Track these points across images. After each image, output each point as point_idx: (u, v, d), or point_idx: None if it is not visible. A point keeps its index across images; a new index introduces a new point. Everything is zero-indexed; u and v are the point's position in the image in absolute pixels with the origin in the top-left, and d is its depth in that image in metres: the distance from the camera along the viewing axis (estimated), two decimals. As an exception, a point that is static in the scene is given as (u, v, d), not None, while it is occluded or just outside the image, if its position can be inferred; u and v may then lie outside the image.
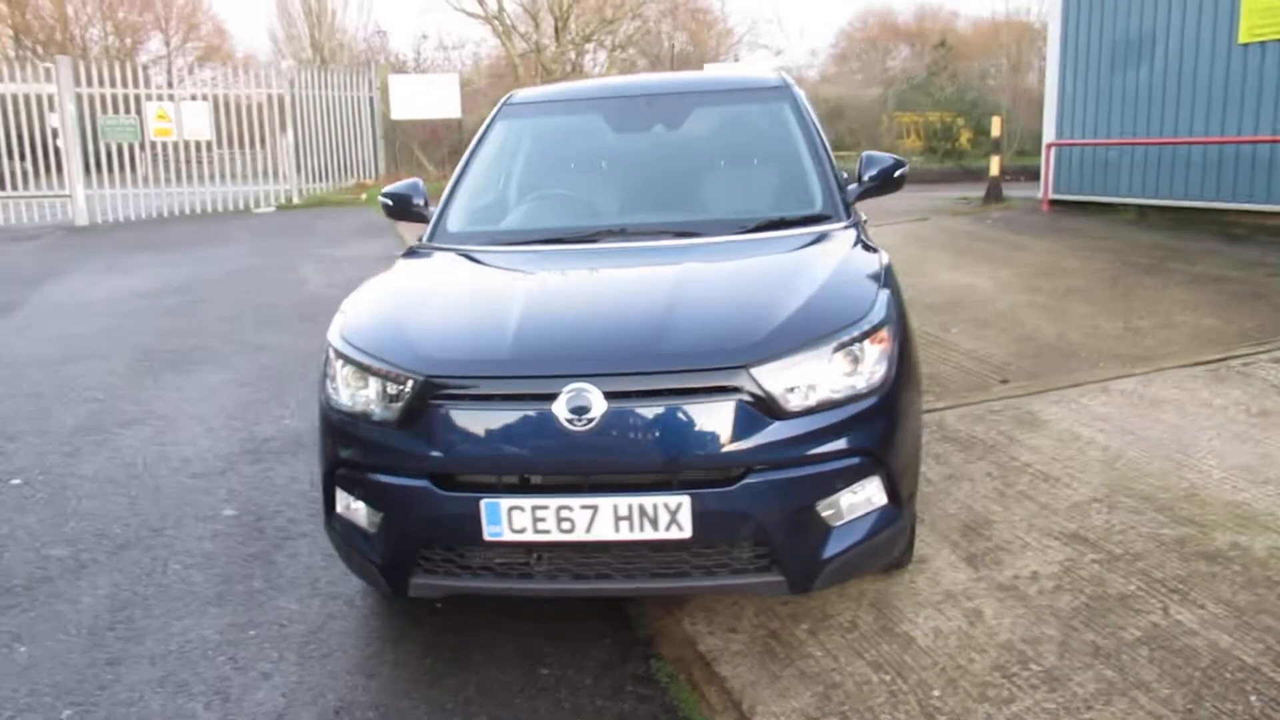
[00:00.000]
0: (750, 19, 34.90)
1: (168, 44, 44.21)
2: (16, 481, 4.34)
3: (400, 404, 2.64)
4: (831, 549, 2.63)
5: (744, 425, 2.52)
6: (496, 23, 20.10)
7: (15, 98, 17.19)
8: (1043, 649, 2.76)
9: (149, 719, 2.64)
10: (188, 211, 17.13)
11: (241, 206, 18.27)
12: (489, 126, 4.04)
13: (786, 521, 2.57)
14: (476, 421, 2.58)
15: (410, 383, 2.62)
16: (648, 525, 2.52)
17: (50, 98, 17.35)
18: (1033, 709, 2.50)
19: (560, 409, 2.49)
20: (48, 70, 17.33)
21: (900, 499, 2.75)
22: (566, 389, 2.50)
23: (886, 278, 3.01)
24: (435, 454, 2.60)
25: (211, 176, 19.12)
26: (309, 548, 3.61)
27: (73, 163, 17.45)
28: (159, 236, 13.94)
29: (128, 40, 42.95)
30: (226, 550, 3.61)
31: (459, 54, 24.83)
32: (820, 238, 3.30)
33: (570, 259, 3.30)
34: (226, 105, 18.46)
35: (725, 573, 2.61)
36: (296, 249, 11.76)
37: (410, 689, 2.77)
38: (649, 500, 2.50)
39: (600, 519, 2.53)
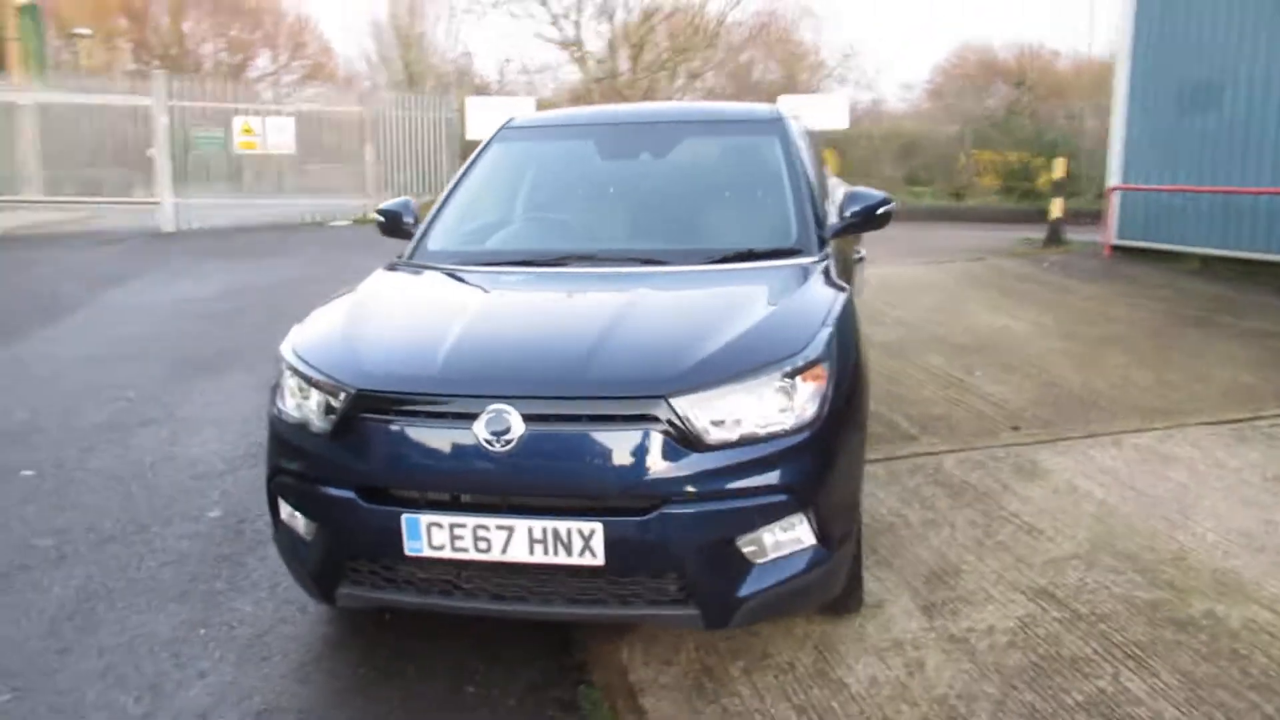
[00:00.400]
0: (842, 52, 34.50)
1: (275, 61, 45.95)
2: (28, 472, 4.53)
3: (334, 416, 2.69)
4: (751, 586, 2.59)
5: (660, 455, 2.50)
6: (574, 49, 20.45)
7: (116, 109, 18.09)
8: (976, 706, 2.66)
9: (82, 708, 2.72)
10: (267, 223, 17.70)
11: (319, 220, 18.83)
12: (484, 149, 4.11)
13: (702, 555, 2.54)
14: (401, 437, 2.62)
15: (343, 395, 2.68)
16: (561, 550, 2.52)
17: (147, 110, 18.22)
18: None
19: (480, 429, 2.51)
20: (145, 84, 18.20)
21: (831, 540, 2.70)
22: (487, 410, 2.52)
23: (841, 315, 2.96)
24: (361, 467, 2.65)
25: (294, 190, 19.81)
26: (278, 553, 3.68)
27: (162, 172, 18.25)
28: (234, 245, 14.43)
29: (239, 57, 44.77)
30: (201, 550, 3.71)
31: (540, 78, 25.31)
32: (782, 271, 3.27)
33: (531, 282, 3.34)
34: (312, 122, 19.10)
35: (640, 603, 2.59)
36: (356, 262, 12.04)
37: (338, 697, 2.80)
38: (563, 525, 2.50)
39: (515, 541, 2.53)
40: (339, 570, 2.73)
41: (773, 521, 2.59)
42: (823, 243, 3.52)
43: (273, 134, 18.92)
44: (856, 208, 3.63)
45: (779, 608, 2.74)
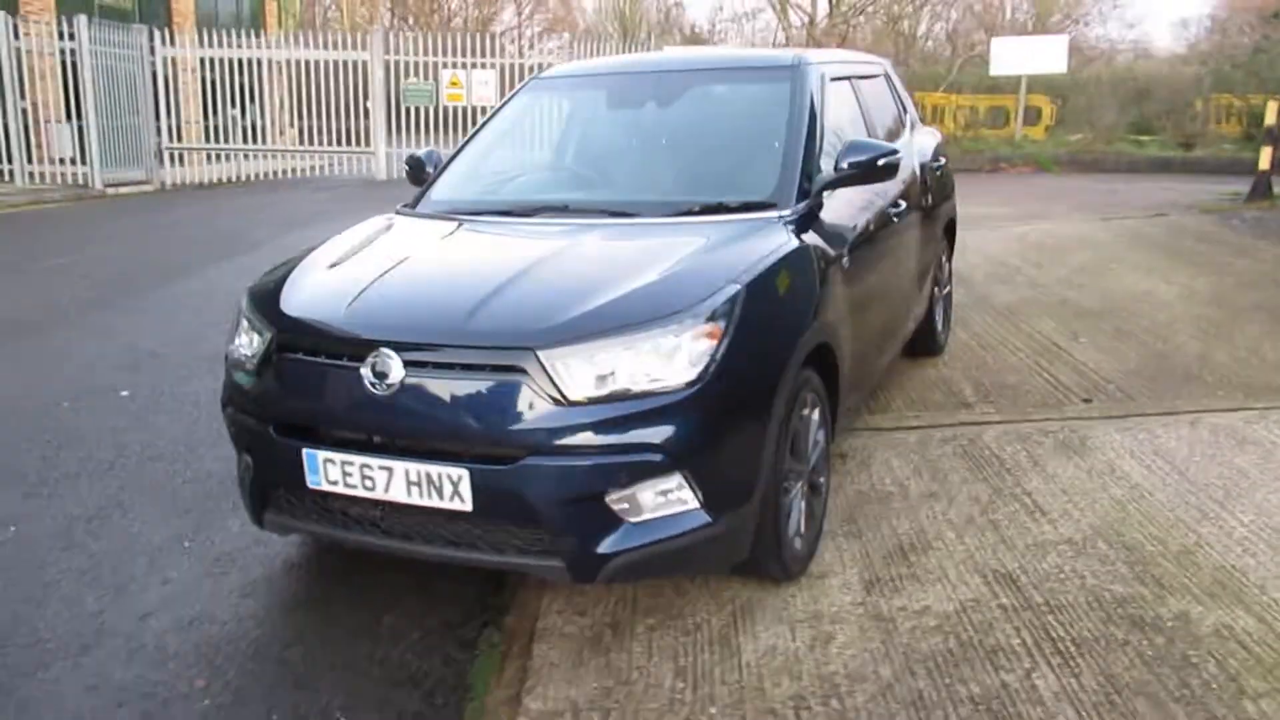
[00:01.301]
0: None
1: (519, 15, 47.63)
2: (125, 393, 5.08)
3: (259, 354, 2.87)
4: (620, 544, 2.55)
5: (527, 407, 2.50)
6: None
7: (340, 64, 19.44)
8: (860, 688, 2.52)
9: (48, 601, 3.05)
10: (465, 171, 18.51)
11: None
12: (507, 101, 4.16)
13: (566, 508, 2.53)
14: (304, 376, 2.76)
15: (267, 335, 2.85)
16: (434, 493, 2.58)
17: (366, 64, 19.48)
18: (781, 745, 2.32)
19: (366, 372, 2.61)
20: (364, 40, 19.45)
21: (717, 505, 2.61)
22: (373, 354, 2.61)
23: (766, 273, 2.83)
24: (274, 402, 2.82)
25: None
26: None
27: (377, 123, 19.50)
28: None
29: (486, 10, 46.70)
30: (226, 471, 4.04)
31: (751, 25, 24.92)
32: (737, 226, 3.13)
33: (481, 233, 3.39)
34: (514, 74, 19.74)
35: (511, 551, 2.62)
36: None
37: (266, 614, 3.01)
38: (435, 469, 2.57)
39: (395, 481, 2.62)
40: (265, 497, 2.93)
41: (645, 480, 2.53)
42: (805, 196, 3.33)
43: (477, 87, 19.73)
44: (854, 158, 3.41)
45: (657, 568, 2.69)
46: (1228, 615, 2.76)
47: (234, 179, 18.75)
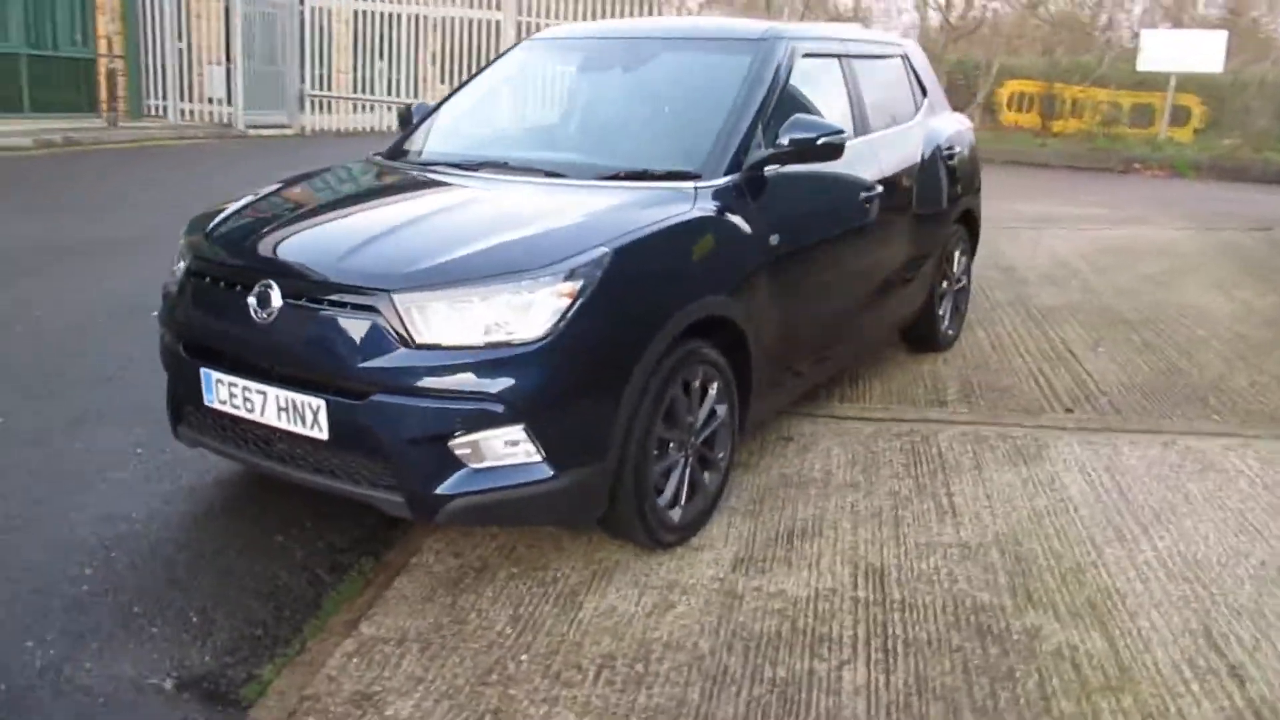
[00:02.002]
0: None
1: None
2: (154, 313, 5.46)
3: (179, 279, 3.09)
4: (458, 487, 2.66)
5: (377, 346, 2.63)
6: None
7: (472, 22, 19.95)
8: (672, 656, 2.57)
9: (26, 487, 3.38)
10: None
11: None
12: (499, 58, 4.26)
13: (409, 447, 2.65)
14: (206, 301, 2.97)
15: (185, 261, 3.07)
16: (298, 420, 2.75)
17: (498, 24, 19.95)
18: (545, 697, 2.39)
19: (251, 300, 2.78)
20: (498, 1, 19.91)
21: (561, 460, 2.68)
22: (260, 284, 2.78)
23: (644, 238, 2.87)
24: (184, 323, 3.04)
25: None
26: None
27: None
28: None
29: None
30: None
31: (894, 5, 24.24)
32: (645, 193, 3.15)
33: (412, 183, 3.53)
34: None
35: (363, 482, 2.76)
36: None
37: (174, 520, 3.25)
38: (299, 397, 2.73)
39: (268, 405, 2.80)
40: (179, 412, 3.16)
41: (487, 428, 2.63)
42: (736, 169, 3.32)
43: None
44: (794, 135, 3.37)
45: (498, 515, 2.79)
46: (1080, 636, 2.66)
47: (373, 129, 19.42)
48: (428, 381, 2.61)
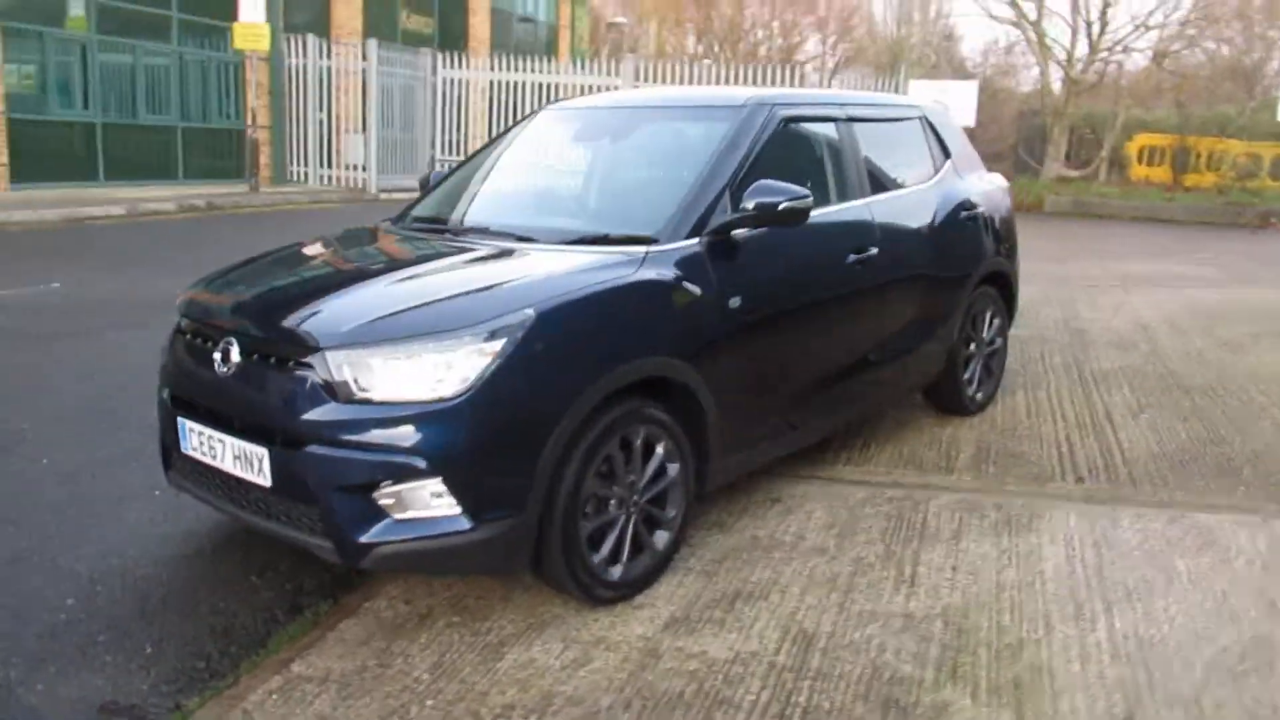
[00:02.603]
0: None
1: (824, 44, 47.76)
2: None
3: (171, 333, 3.39)
4: (382, 535, 2.80)
5: (312, 400, 2.81)
6: (1027, 26, 18.68)
7: (594, 88, 20.66)
8: (569, 710, 2.61)
9: (45, 522, 3.73)
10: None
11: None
12: (515, 126, 4.48)
13: (336, 496, 2.80)
14: (185, 353, 3.25)
15: (177, 317, 3.36)
16: (248, 467, 2.96)
17: (616, 90, 20.56)
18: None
19: (217, 355, 3.03)
20: (617, 68, 20.58)
21: (479, 514, 2.79)
22: (225, 339, 3.03)
23: (576, 303, 2.97)
24: (169, 375, 3.32)
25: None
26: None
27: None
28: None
29: (793, 39, 47.20)
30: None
31: (1007, 58, 23.75)
32: (594, 257, 3.26)
33: (388, 246, 3.75)
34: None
35: (302, 528, 2.93)
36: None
37: (168, 558, 3.49)
38: (248, 446, 2.94)
39: (226, 453, 3.02)
40: (168, 457, 3.43)
41: (406, 481, 2.77)
42: (698, 233, 3.40)
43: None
44: (757, 200, 3.44)
45: (421, 563, 2.91)
46: (990, 715, 2.57)
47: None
48: (355, 434, 2.78)
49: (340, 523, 2.82)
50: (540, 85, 20.75)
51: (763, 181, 3.53)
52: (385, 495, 2.79)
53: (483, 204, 4.09)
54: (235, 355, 2.99)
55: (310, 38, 20.32)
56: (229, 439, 3.00)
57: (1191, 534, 3.64)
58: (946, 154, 4.91)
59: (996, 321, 5.20)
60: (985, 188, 5.08)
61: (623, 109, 4.28)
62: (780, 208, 3.45)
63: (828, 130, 4.18)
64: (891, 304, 4.31)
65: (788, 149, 3.89)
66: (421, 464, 2.75)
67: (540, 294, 2.97)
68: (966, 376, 4.97)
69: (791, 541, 3.64)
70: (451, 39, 26.80)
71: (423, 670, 2.82)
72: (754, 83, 19.61)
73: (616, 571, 3.15)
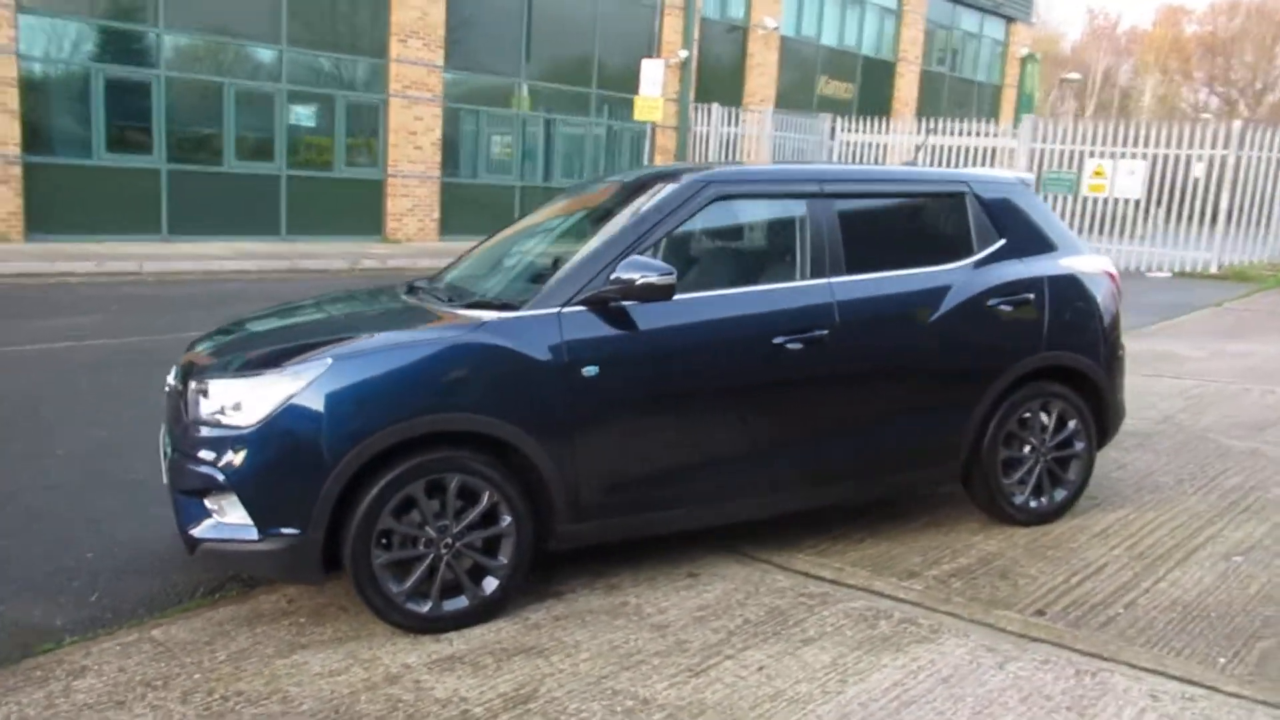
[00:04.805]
0: None
1: None
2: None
3: None
4: (204, 534, 3.40)
5: (184, 420, 3.52)
6: None
7: (987, 151, 19.85)
8: (279, 703, 3.00)
9: (56, 468, 4.85)
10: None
11: (1140, 268, 17.73)
12: (547, 204, 4.89)
13: (182, 496, 3.46)
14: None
15: None
16: (163, 471, 3.73)
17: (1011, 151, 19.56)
18: (154, 702, 3.01)
19: (170, 379, 3.86)
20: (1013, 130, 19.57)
21: (265, 528, 3.28)
22: (177, 368, 3.86)
23: (375, 355, 3.39)
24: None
25: (1139, 236, 18.93)
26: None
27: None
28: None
29: None
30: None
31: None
32: (450, 320, 3.62)
33: (361, 305, 4.29)
34: (1165, 164, 17.86)
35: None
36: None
37: (131, 536, 4.37)
38: (169, 451, 3.70)
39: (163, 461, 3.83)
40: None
41: (216, 492, 3.35)
42: (568, 302, 3.59)
43: (1121, 177, 18.37)
44: (619, 274, 3.57)
45: (230, 562, 3.47)
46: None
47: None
48: (191, 448, 3.43)
49: (183, 518, 3.47)
50: (937, 148, 20.40)
51: (634, 257, 3.63)
52: (212, 500, 3.40)
53: (466, 270, 4.49)
54: (174, 379, 3.79)
55: (715, 106, 21.95)
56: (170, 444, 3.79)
57: (1089, 694, 3.03)
58: (1000, 233, 4.42)
59: (1072, 424, 4.51)
60: (1058, 272, 4.46)
61: (610, 182, 4.49)
62: (638, 283, 3.53)
63: (785, 208, 4.07)
64: (855, 390, 4.03)
65: (718, 225, 3.89)
66: (221, 478, 3.32)
67: (357, 345, 3.42)
68: (1008, 481, 4.40)
69: (647, 614, 3.63)
70: (874, 103, 27.16)
71: (224, 653, 3.35)
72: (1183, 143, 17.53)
73: (424, 607, 3.44)
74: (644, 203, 3.91)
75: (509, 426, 3.47)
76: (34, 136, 13.44)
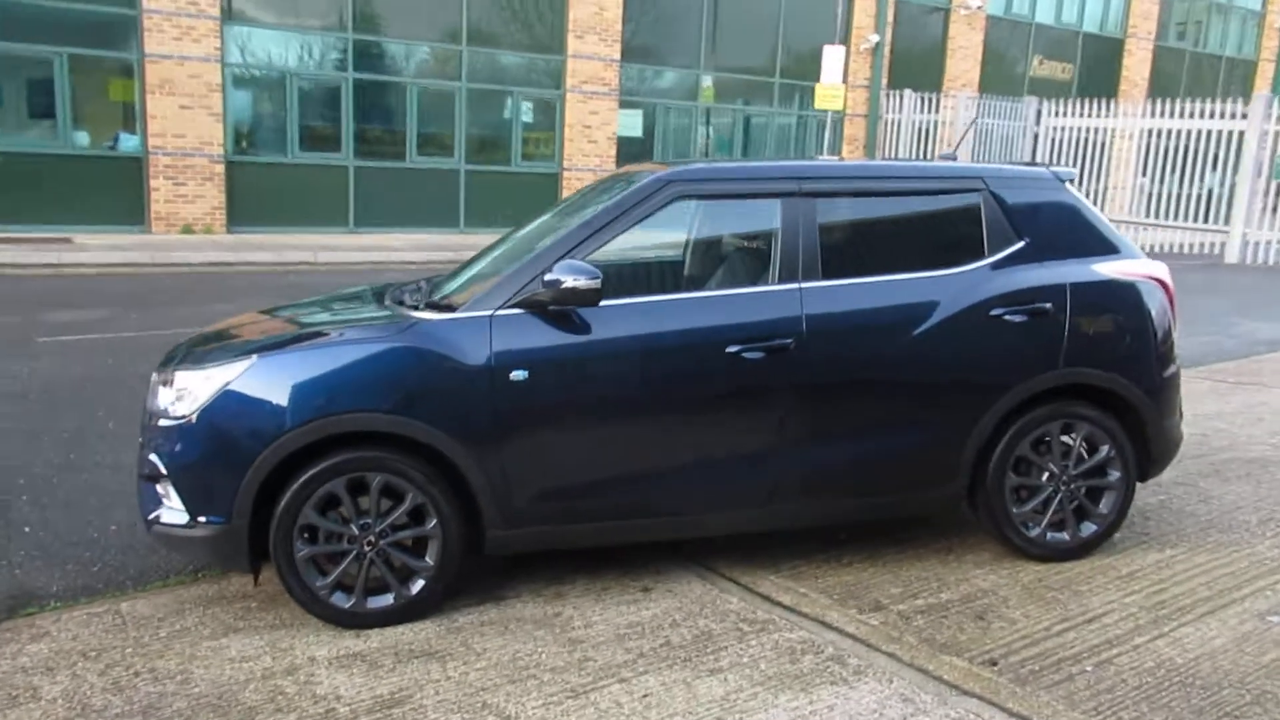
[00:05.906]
0: None
1: None
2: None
3: None
4: (153, 517, 3.59)
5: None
6: None
7: (1210, 134, 17.97)
8: (190, 679, 3.15)
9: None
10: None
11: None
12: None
13: (142, 482, 3.67)
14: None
15: None
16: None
17: (1233, 134, 17.61)
18: (74, 667, 3.23)
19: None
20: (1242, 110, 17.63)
21: (192, 514, 3.45)
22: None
23: (299, 355, 3.47)
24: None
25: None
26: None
27: (1240, 200, 17.47)
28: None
29: None
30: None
31: None
32: (388, 319, 3.64)
33: (338, 307, 4.33)
34: None
35: (150, 503, 3.86)
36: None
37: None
38: (150, 438, 3.97)
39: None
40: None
41: (158, 478, 3.54)
42: (504, 304, 3.53)
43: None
44: (550, 277, 3.47)
45: (176, 547, 3.62)
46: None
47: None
48: (147, 437, 3.64)
49: (142, 501, 3.70)
50: (1148, 131, 18.65)
51: (569, 260, 3.52)
52: (160, 486, 3.60)
53: (476, 264, 4.42)
54: (154, 379, 4.05)
55: (907, 93, 21.02)
56: (147, 439, 4.06)
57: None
58: (1020, 235, 3.95)
59: (1104, 450, 3.97)
60: (1088, 279, 3.92)
61: (602, 181, 4.35)
62: (562, 286, 3.43)
63: (755, 208, 3.81)
64: (825, 404, 3.73)
65: (680, 227, 3.71)
66: (160, 466, 3.51)
67: (258, 345, 3.55)
68: (1020, 510, 3.94)
69: (573, 627, 3.53)
70: (1097, 84, 25.14)
71: (167, 631, 3.54)
72: None
73: (345, 602, 3.50)
74: (602, 202, 3.79)
75: (431, 430, 3.46)
76: (235, 138, 14.75)
